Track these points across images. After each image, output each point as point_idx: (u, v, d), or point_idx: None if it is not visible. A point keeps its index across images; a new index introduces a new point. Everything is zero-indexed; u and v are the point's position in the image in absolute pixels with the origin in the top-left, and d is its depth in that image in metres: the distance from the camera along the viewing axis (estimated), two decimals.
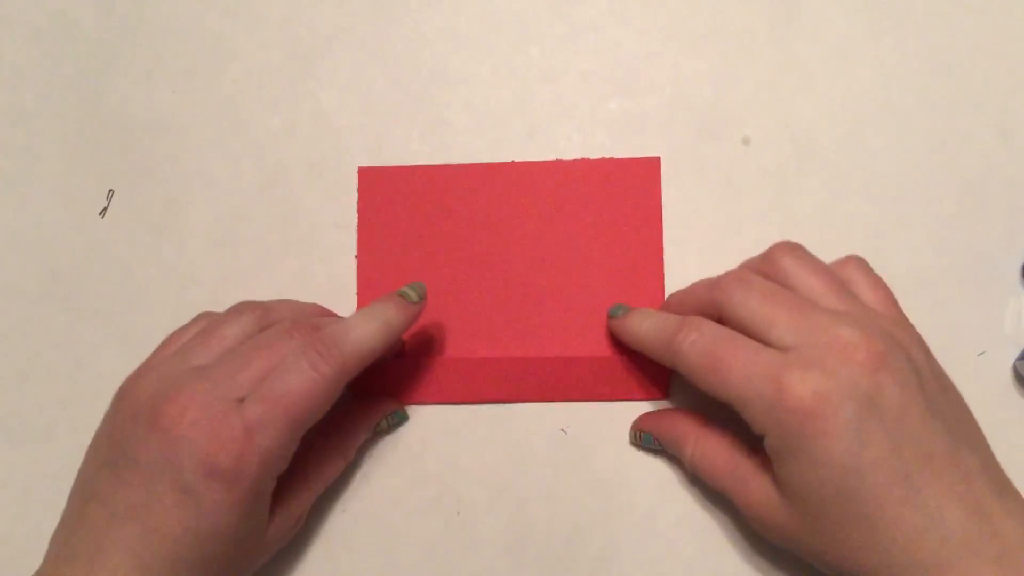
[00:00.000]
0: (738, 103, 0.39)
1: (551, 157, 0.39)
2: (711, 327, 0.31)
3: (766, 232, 0.38)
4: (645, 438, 0.36)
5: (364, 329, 0.32)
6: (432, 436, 0.38)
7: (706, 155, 0.39)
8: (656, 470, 0.37)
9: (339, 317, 0.37)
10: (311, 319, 0.34)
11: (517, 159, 0.39)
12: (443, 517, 0.37)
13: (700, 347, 0.30)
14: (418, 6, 0.41)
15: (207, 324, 0.34)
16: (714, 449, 0.33)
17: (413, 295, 0.34)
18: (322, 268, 0.39)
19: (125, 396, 0.32)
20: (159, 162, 0.40)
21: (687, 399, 0.37)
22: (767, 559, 0.35)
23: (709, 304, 0.32)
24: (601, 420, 0.37)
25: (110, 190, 0.40)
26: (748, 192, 0.38)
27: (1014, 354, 0.36)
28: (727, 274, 0.32)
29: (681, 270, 0.38)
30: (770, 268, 0.32)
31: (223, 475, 0.29)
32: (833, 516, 0.28)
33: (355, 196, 0.40)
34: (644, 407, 0.37)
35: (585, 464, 0.37)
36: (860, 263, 0.33)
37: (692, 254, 0.38)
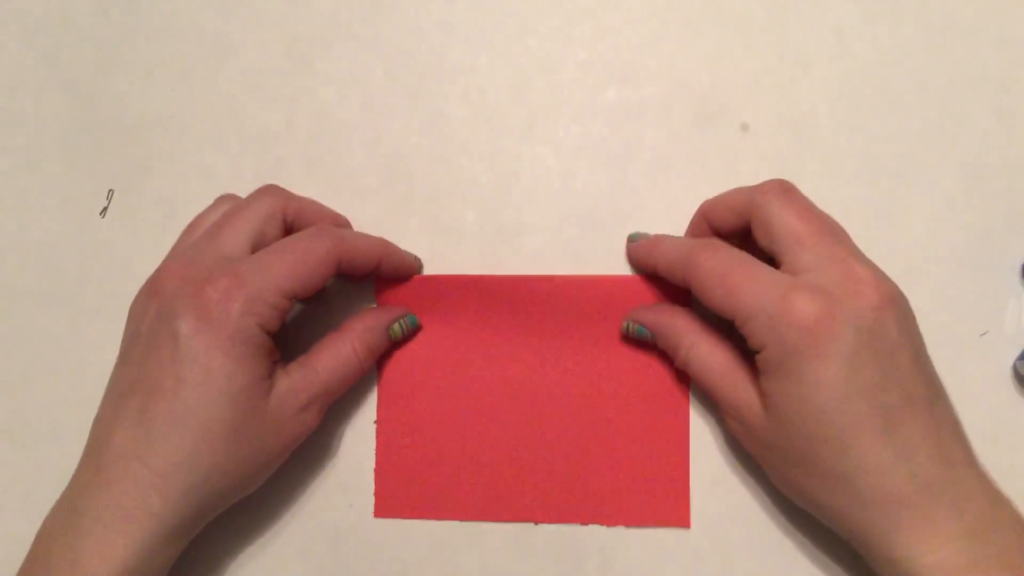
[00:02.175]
0: (736, 89, 0.39)
1: (549, 146, 0.39)
2: (728, 250, 0.32)
3: None
4: (638, 329, 0.36)
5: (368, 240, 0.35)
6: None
7: (705, 142, 0.39)
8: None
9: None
10: (336, 228, 0.35)
11: (516, 152, 0.39)
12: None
13: (715, 264, 0.31)
14: None
15: (231, 208, 0.35)
16: (710, 350, 0.33)
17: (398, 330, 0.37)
18: None
19: (150, 287, 0.33)
20: (159, 161, 0.41)
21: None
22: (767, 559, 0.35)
23: (747, 205, 0.33)
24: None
25: (110, 190, 0.41)
26: (747, 178, 0.38)
27: (1014, 353, 0.36)
28: (770, 181, 0.33)
29: None
30: (755, 212, 0.33)
31: (208, 316, 0.30)
32: (808, 435, 0.29)
33: (355, 194, 0.40)
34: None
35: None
36: (786, 190, 0.34)
37: None
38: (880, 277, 0.30)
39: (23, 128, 0.41)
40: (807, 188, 0.38)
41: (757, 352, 0.30)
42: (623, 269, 0.38)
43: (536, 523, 0.36)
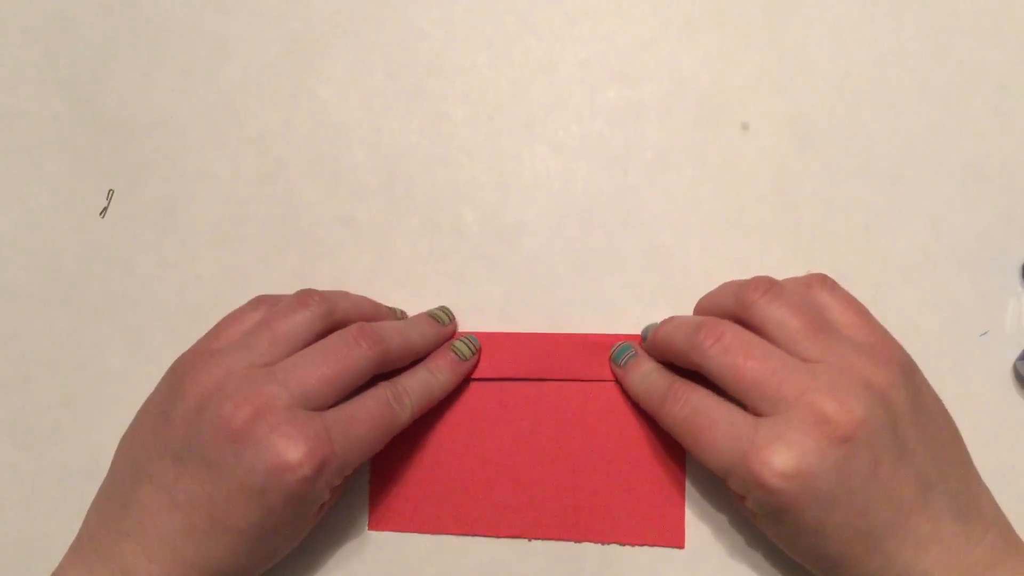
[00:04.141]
0: (736, 89, 0.39)
1: (549, 146, 0.39)
2: (693, 397, 0.32)
3: (766, 217, 0.38)
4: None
5: (437, 382, 0.36)
6: None
7: (705, 141, 0.39)
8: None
9: (398, 320, 0.37)
10: (375, 326, 0.34)
11: (516, 152, 0.39)
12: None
13: (678, 417, 0.32)
14: None
15: (268, 314, 0.34)
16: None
17: (466, 351, 0.37)
18: (323, 264, 0.39)
19: (187, 382, 0.32)
20: (159, 161, 0.41)
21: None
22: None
23: (689, 349, 0.32)
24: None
25: (110, 190, 0.41)
26: (747, 177, 0.38)
27: (1014, 353, 0.36)
28: (712, 330, 0.31)
29: (682, 257, 0.38)
30: (744, 313, 0.32)
31: (297, 482, 0.30)
32: (805, 552, 0.31)
33: (354, 192, 0.40)
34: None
35: None
36: (828, 284, 0.33)
37: (693, 241, 0.38)
38: (842, 398, 0.29)
39: (23, 128, 0.41)
40: (807, 187, 0.38)
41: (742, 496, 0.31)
42: (623, 269, 0.38)
43: (530, 539, 0.36)
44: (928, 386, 0.32)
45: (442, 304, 0.38)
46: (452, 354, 0.36)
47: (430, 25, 0.41)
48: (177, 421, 0.31)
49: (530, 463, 0.36)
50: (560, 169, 0.39)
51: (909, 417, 0.30)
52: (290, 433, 0.30)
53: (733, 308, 0.33)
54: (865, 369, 0.30)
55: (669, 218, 0.38)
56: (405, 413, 0.34)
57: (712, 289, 0.36)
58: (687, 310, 0.37)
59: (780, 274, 0.35)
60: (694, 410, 0.32)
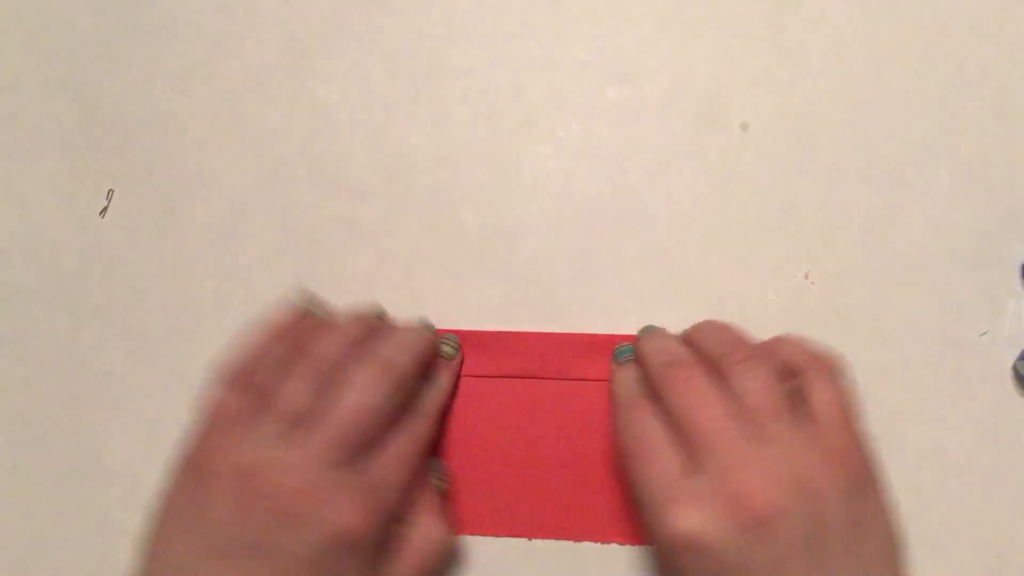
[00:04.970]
0: (736, 89, 0.39)
1: (549, 146, 0.39)
2: (648, 424, 0.32)
3: (766, 217, 0.38)
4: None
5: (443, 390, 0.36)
6: None
7: (705, 142, 0.39)
8: None
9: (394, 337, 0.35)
10: (381, 356, 0.33)
11: (516, 152, 0.39)
12: None
13: (628, 435, 0.32)
14: None
15: (267, 393, 0.32)
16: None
17: (451, 350, 0.37)
18: (323, 264, 0.39)
19: (212, 474, 0.30)
20: (159, 161, 0.41)
21: None
22: None
23: (658, 376, 0.32)
24: None
25: (110, 190, 0.41)
26: (748, 178, 0.38)
27: (1014, 353, 0.36)
28: (684, 370, 0.32)
29: (682, 257, 0.38)
30: (723, 367, 0.32)
31: (354, 542, 0.29)
32: None
33: (354, 191, 0.40)
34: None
35: None
36: (832, 373, 0.31)
37: (693, 241, 0.38)
38: (770, 484, 0.28)
39: (23, 128, 0.41)
40: (807, 187, 0.38)
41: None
42: (622, 269, 0.38)
43: (530, 539, 0.36)
44: (883, 509, 0.30)
45: (441, 304, 0.38)
46: (440, 358, 0.36)
47: (430, 25, 0.41)
48: (214, 516, 0.29)
49: (530, 463, 0.36)
50: (560, 169, 0.39)
51: (841, 531, 0.28)
52: (339, 500, 0.29)
53: (717, 357, 0.32)
54: (810, 466, 0.29)
55: (669, 218, 0.38)
56: (430, 431, 0.34)
57: (712, 320, 0.35)
58: (687, 310, 0.37)
59: (780, 273, 0.35)
60: (642, 436, 0.31)
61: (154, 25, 0.41)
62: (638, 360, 0.35)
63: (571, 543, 0.36)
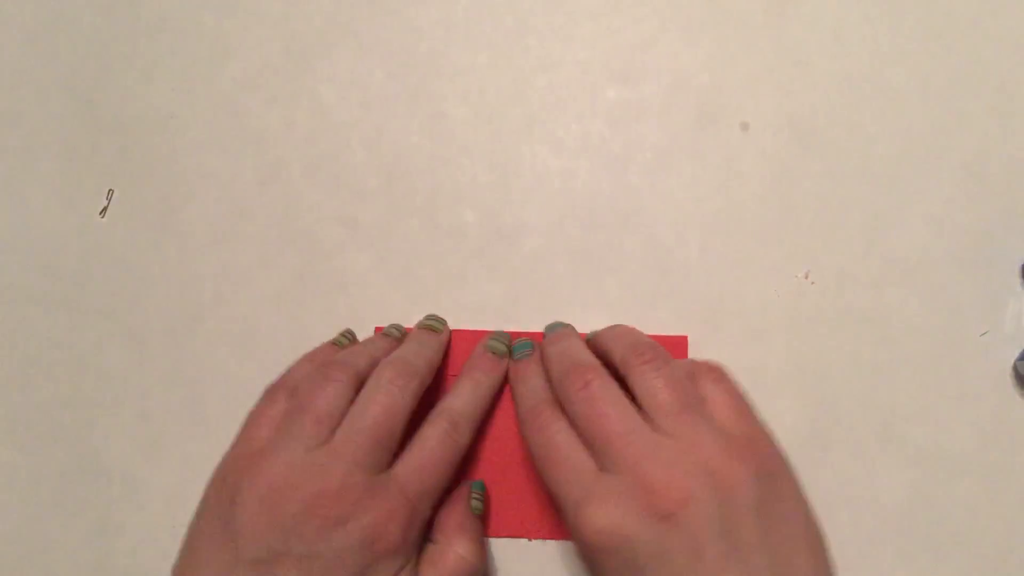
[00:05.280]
0: (736, 89, 0.39)
1: (549, 146, 0.39)
2: (554, 427, 0.32)
3: (766, 217, 0.38)
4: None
5: (471, 396, 0.35)
6: None
7: (705, 141, 0.39)
8: None
9: (410, 343, 0.37)
10: (402, 360, 0.34)
11: (516, 152, 0.39)
12: None
13: (536, 442, 0.32)
14: None
15: (298, 400, 0.33)
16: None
17: (501, 347, 0.37)
18: (323, 264, 0.39)
19: (245, 488, 0.30)
20: (159, 161, 0.41)
21: None
22: None
23: (558, 384, 0.33)
24: None
25: (110, 190, 0.41)
26: (747, 177, 0.38)
27: (1014, 353, 0.36)
28: (582, 376, 0.32)
29: (682, 257, 0.38)
30: (624, 370, 0.33)
31: (395, 549, 0.30)
32: None
33: (355, 194, 0.40)
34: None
35: None
36: (715, 375, 0.33)
37: (693, 241, 0.38)
38: (677, 474, 0.29)
39: (23, 128, 0.41)
40: (807, 187, 0.38)
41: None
42: (622, 269, 0.38)
43: (529, 539, 0.36)
44: (795, 496, 0.31)
45: (441, 304, 0.38)
46: (489, 354, 0.37)
47: (430, 25, 0.41)
48: (247, 529, 0.29)
49: (530, 463, 0.36)
50: (560, 169, 0.39)
51: (752, 517, 0.29)
52: (373, 505, 0.30)
53: (617, 362, 0.33)
54: (715, 457, 0.29)
55: (669, 218, 0.38)
56: (464, 438, 0.34)
57: (619, 324, 0.36)
58: (687, 310, 0.37)
59: (780, 273, 0.35)
60: (550, 441, 0.32)
61: (154, 25, 0.41)
62: (543, 362, 0.35)
63: (571, 543, 0.36)
